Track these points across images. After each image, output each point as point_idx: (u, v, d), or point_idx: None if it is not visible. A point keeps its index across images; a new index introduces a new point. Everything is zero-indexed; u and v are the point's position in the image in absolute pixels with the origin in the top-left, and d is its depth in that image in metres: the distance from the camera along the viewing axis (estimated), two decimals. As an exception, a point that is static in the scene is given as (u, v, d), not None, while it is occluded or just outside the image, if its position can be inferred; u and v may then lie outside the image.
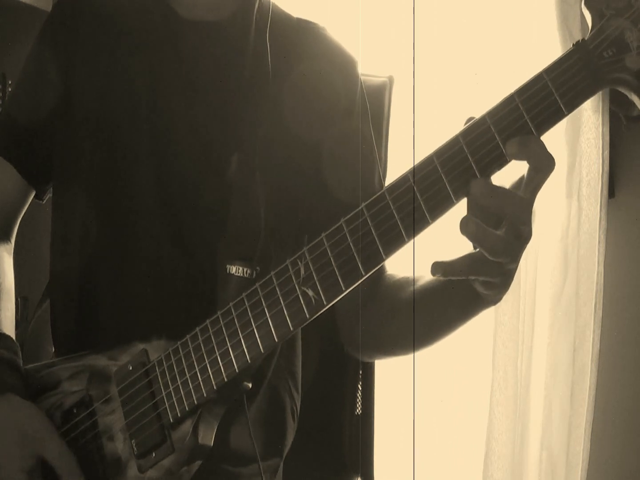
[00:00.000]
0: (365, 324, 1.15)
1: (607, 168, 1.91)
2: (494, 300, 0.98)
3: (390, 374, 1.79)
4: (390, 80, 1.49)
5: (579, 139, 1.91)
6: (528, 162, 0.87)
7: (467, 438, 2.07)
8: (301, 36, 1.22)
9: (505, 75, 1.93)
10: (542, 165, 0.87)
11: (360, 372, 1.47)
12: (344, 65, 1.22)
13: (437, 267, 0.88)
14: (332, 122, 1.18)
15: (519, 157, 0.87)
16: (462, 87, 2.00)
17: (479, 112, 2.06)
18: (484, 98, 1.94)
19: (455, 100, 2.01)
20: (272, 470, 1.24)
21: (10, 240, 1.32)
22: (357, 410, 1.48)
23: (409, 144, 1.38)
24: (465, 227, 0.87)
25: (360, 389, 1.48)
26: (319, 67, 1.20)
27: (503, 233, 0.88)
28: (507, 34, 1.93)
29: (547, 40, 1.90)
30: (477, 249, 0.89)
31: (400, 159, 1.48)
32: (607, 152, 1.90)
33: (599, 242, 1.91)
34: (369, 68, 1.45)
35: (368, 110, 1.23)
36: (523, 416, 1.97)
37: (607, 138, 1.90)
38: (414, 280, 1.07)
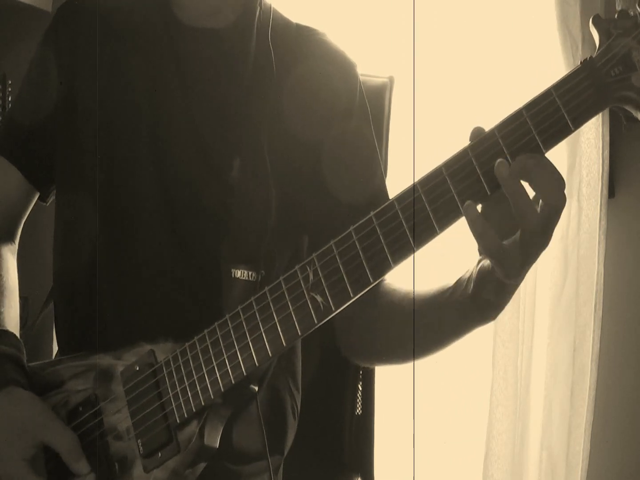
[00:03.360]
0: (360, 330, 1.16)
1: (607, 168, 1.91)
2: (492, 314, 0.98)
3: (391, 374, 1.80)
4: (391, 80, 1.49)
5: (579, 139, 1.91)
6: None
7: (467, 438, 2.07)
8: (300, 41, 1.23)
9: (505, 75, 1.93)
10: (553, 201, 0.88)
11: (361, 372, 1.47)
12: (343, 67, 1.22)
13: (471, 210, 0.88)
14: (333, 124, 1.18)
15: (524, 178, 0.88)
16: (462, 87, 2.01)
17: (478, 112, 2.06)
18: (484, 98, 1.95)
19: (455, 100, 2.01)
20: (274, 468, 1.25)
21: (14, 241, 1.33)
22: (358, 410, 1.48)
23: (409, 144, 1.38)
24: (468, 211, 0.88)
25: (361, 389, 1.48)
26: (318, 69, 1.20)
27: (507, 241, 0.89)
28: (507, 34, 1.94)
29: (547, 40, 1.90)
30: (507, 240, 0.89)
31: (400, 159, 1.49)
32: (607, 152, 1.91)
33: (599, 242, 1.91)
34: (370, 68, 1.45)
35: (368, 112, 1.23)
36: (523, 416, 1.97)
37: (607, 138, 1.91)
38: (414, 290, 1.07)
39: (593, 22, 0.90)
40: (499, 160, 0.88)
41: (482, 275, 0.94)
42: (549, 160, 0.89)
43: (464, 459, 2.08)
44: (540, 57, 1.90)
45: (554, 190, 0.88)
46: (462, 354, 1.99)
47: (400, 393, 1.87)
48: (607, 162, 1.91)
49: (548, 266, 1.95)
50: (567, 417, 1.93)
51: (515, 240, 0.89)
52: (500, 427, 1.95)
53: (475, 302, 0.96)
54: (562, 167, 1.93)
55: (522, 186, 0.88)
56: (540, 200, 0.88)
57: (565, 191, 1.91)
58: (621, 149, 1.94)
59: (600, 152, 1.90)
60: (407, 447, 1.86)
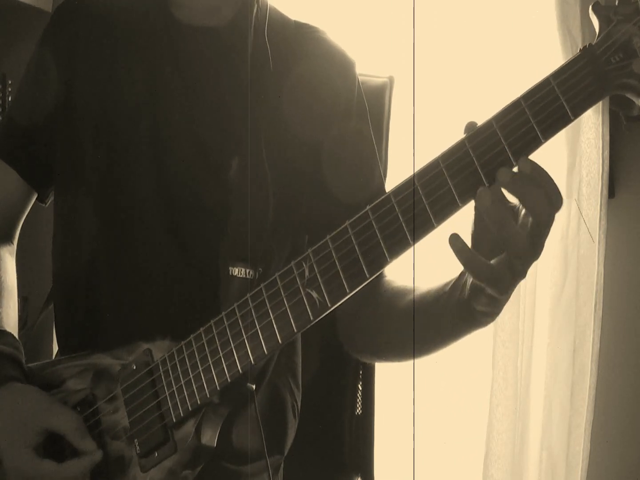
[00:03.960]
0: (361, 326, 1.15)
1: (607, 168, 1.91)
2: (487, 320, 0.96)
3: (391, 374, 1.80)
4: (391, 80, 1.49)
5: (579, 139, 1.91)
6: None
7: (467, 438, 2.07)
8: (299, 39, 1.23)
9: (505, 75, 1.93)
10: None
11: (361, 372, 1.47)
12: (342, 66, 1.22)
13: (457, 242, 0.86)
14: (331, 123, 1.18)
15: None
16: (462, 87, 2.01)
17: (478, 112, 2.06)
18: (484, 98, 1.95)
19: (455, 100, 2.01)
20: (274, 468, 1.25)
21: (12, 242, 1.33)
22: (357, 410, 1.48)
23: (409, 144, 1.38)
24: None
25: (361, 388, 1.48)
26: (317, 68, 1.20)
27: (496, 261, 0.88)
28: (507, 34, 1.94)
29: (547, 40, 1.90)
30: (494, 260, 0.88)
31: (400, 159, 1.48)
32: (607, 152, 1.90)
33: (599, 242, 1.91)
34: (370, 68, 1.45)
35: (367, 111, 1.23)
36: (523, 416, 1.97)
37: (607, 138, 1.90)
38: (414, 288, 1.07)
39: (593, 9, 0.88)
40: (480, 189, 0.86)
41: (474, 289, 0.93)
42: (541, 171, 0.86)
43: (464, 459, 2.08)
44: (540, 57, 1.90)
45: (544, 208, 0.85)
46: (462, 354, 1.99)
47: (400, 393, 1.87)
48: (607, 162, 1.91)
49: (548, 266, 1.95)
50: (567, 417, 1.93)
51: (503, 260, 0.87)
52: (500, 427, 1.95)
53: (470, 309, 0.95)
54: (562, 167, 1.93)
55: (505, 214, 0.85)
56: (530, 218, 0.86)
57: (565, 191, 1.91)
58: (621, 149, 1.94)
59: (600, 152, 1.90)
60: (407, 447, 1.86)
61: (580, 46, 1.87)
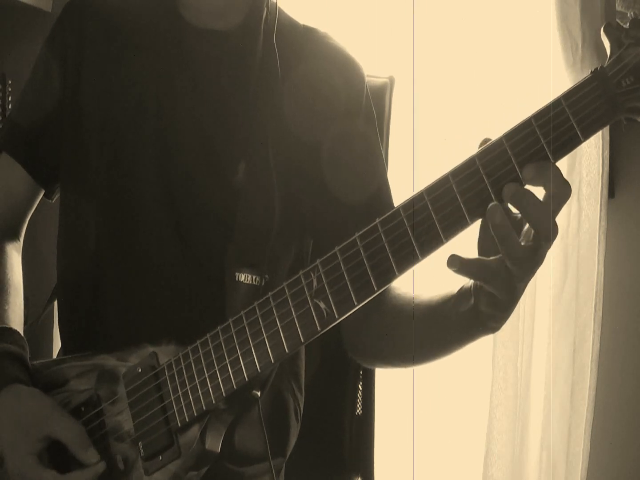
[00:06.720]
0: (367, 333, 1.15)
1: (607, 168, 1.91)
2: (494, 326, 0.96)
3: (391, 375, 1.80)
4: (391, 80, 1.49)
5: (579, 139, 1.91)
6: (544, 188, 0.86)
7: (467, 438, 2.07)
8: (307, 43, 1.22)
9: (505, 74, 1.93)
10: (558, 191, 0.86)
11: (361, 372, 1.47)
12: (350, 70, 1.22)
13: (454, 261, 0.87)
14: (338, 126, 1.18)
15: (535, 183, 0.86)
16: (462, 87, 2.01)
17: (478, 112, 2.06)
18: (484, 98, 1.95)
19: (455, 100, 2.01)
20: (276, 470, 1.25)
21: (19, 239, 1.34)
22: (358, 411, 1.48)
23: (409, 144, 1.38)
24: (492, 215, 0.86)
25: (361, 389, 1.48)
26: (325, 72, 1.20)
27: (492, 259, 0.88)
28: (507, 34, 1.94)
29: (546, 40, 1.90)
30: (492, 258, 0.89)
31: (401, 159, 1.48)
32: (607, 152, 1.90)
33: (599, 242, 1.91)
34: (370, 68, 1.45)
35: (374, 115, 1.23)
36: (523, 416, 1.97)
37: (607, 138, 1.90)
38: (414, 297, 1.07)
39: (605, 31, 0.88)
40: (492, 204, 0.86)
41: (475, 289, 0.93)
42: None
43: (464, 459, 2.08)
44: (540, 56, 1.90)
45: (545, 221, 0.85)
46: (462, 354, 1.99)
47: (400, 393, 1.87)
48: (607, 162, 1.90)
49: (548, 266, 1.95)
50: (567, 417, 1.93)
51: (499, 259, 0.87)
52: (500, 427, 1.95)
53: (476, 313, 0.95)
54: (562, 167, 1.92)
55: (509, 231, 0.86)
56: (532, 231, 0.86)
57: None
58: (621, 149, 1.94)
59: (600, 152, 1.90)
60: (407, 447, 1.86)
61: (580, 46, 1.89)
